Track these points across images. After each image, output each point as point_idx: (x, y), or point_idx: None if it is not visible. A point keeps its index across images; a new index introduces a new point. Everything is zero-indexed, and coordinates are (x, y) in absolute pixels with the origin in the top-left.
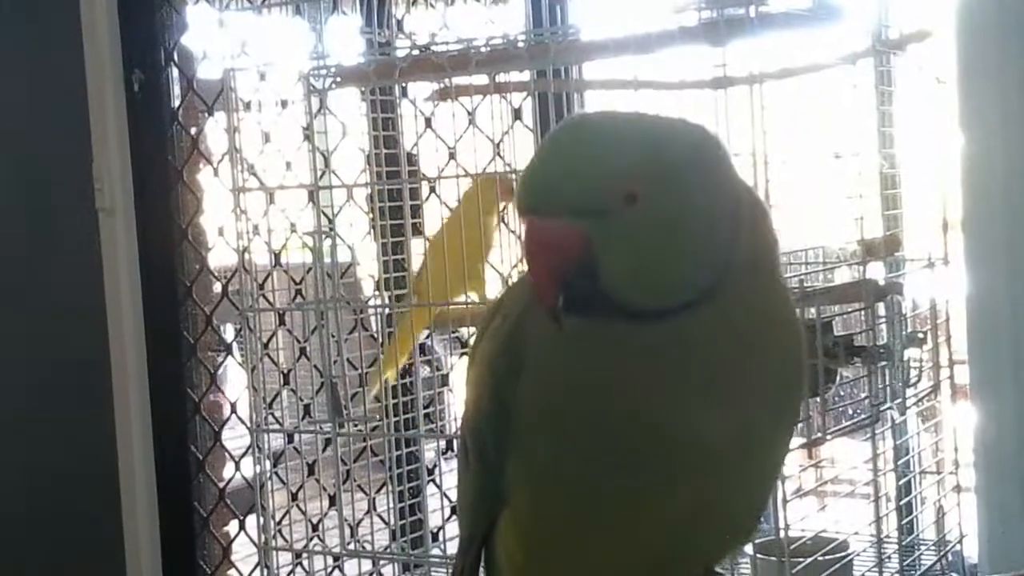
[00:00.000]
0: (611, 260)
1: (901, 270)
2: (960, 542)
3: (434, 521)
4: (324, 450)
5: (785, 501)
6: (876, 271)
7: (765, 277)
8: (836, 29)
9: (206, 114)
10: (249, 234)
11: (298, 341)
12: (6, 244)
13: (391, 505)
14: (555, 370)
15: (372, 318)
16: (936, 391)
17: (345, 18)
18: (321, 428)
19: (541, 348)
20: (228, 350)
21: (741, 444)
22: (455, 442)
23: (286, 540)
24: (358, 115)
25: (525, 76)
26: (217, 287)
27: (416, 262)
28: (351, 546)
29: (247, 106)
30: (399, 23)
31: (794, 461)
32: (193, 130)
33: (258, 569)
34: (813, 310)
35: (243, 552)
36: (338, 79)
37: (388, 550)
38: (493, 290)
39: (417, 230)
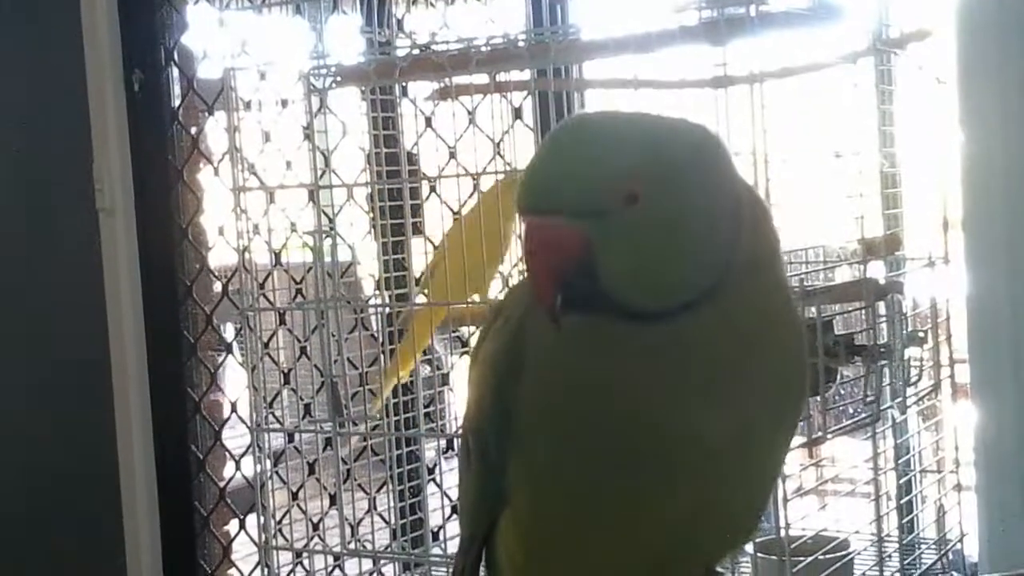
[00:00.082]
0: (611, 260)
1: (901, 269)
2: (960, 541)
3: (435, 520)
4: (324, 449)
5: (786, 500)
6: (877, 270)
7: (766, 277)
8: (836, 28)
9: (206, 114)
10: (249, 233)
11: (298, 340)
12: (6, 244)
13: (392, 504)
14: (556, 370)
15: (372, 318)
16: (936, 390)
17: (345, 17)
18: (321, 427)
19: (542, 348)
20: (228, 349)
21: (742, 444)
22: (456, 441)
23: (286, 539)
24: (358, 114)
25: (525, 75)
26: (217, 286)
27: (418, 260)
28: (351, 545)
29: (247, 105)
30: (399, 22)
31: (795, 460)
32: (193, 130)
33: (258, 568)
34: (814, 309)
35: (243, 551)
36: (338, 78)
37: (389, 549)
38: (495, 291)
39: (417, 229)
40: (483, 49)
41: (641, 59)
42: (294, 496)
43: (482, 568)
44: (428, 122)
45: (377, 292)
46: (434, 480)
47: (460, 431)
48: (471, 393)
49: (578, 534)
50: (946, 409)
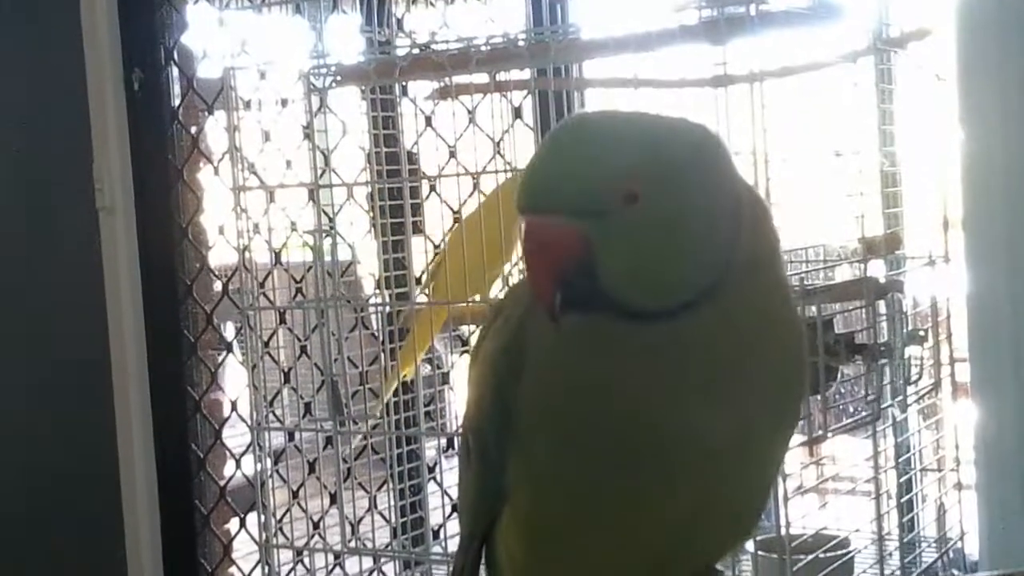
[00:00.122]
0: (610, 260)
1: (902, 268)
2: (961, 539)
3: (435, 519)
4: (325, 448)
5: (786, 498)
6: (877, 269)
7: (766, 276)
8: (836, 27)
9: (206, 113)
10: (249, 233)
11: (299, 339)
12: (6, 244)
13: (392, 503)
14: (556, 369)
15: (373, 317)
16: (937, 389)
17: (345, 17)
18: (322, 426)
19: (542, 348)
20: (228, 348)
21: (741, 443)
22: (456, 440)
23: (287, 538)
24: (358, 114)
25: (525, 75)
26: (217, 286)
27: (418, 259)
28: (352, 544)
29: (247, 105)
30: (399, 22)
31: (795, 459)
32: (193, 129)
33: (259, 567)
34: (814, 308)
35: (244, 550)
36: (338, 78)
37: (389, 548)
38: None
39: (417, 229)
40: (483, 48)
41: (641, 58)
42: (294, 495)
43: (482, 566)
44: (428, 121)
45: (377, 291)
46: (434, 479)
47: (460, 430)
48: (471, 392)
49: (578, 533)
50: (946, 407)
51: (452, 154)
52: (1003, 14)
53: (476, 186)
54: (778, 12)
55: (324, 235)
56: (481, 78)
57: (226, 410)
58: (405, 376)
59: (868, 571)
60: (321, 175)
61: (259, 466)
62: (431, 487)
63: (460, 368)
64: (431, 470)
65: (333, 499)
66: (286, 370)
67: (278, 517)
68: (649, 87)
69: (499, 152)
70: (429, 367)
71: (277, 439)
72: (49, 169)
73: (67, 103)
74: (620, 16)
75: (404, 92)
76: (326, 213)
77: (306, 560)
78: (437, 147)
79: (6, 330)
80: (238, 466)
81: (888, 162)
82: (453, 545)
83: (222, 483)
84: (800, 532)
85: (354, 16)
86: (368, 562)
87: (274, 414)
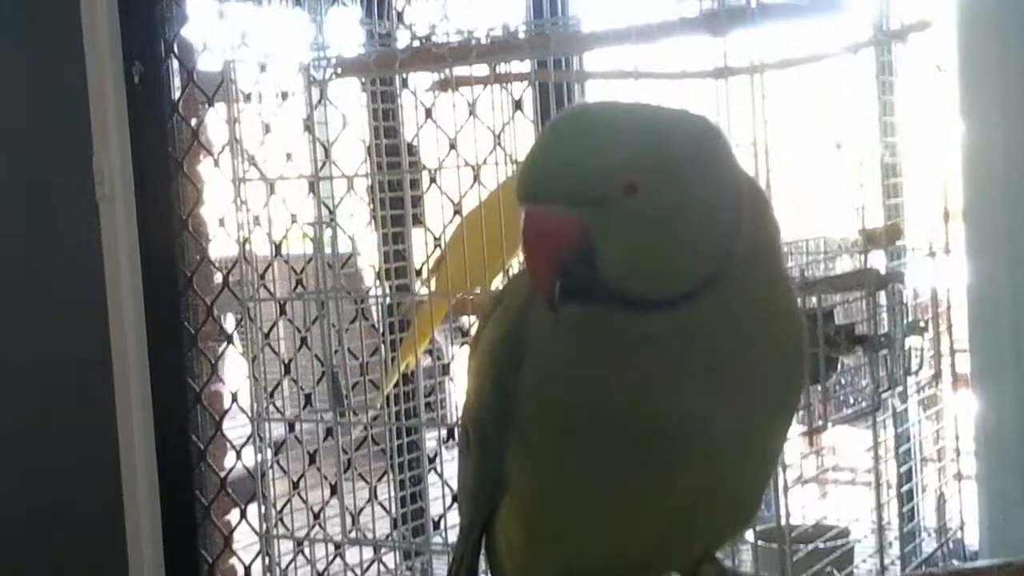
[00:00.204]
0: (610, 249)
1: (902, 259)
2: (961, 529)
3: (435, 509)
4: (325, 439)
5: (787, 488)
6: (877, 260)
7: (766, 266)
8: (837, 19)
9: (206, 105)
10: (250, 225)
11: (299, 331)
12: (6, 236)
13: (392, 494)
14: (556, 359)
15: (373, 308)
16: (937, 379)
17: (345, 9)
18: (322, 417)
19: (542, 337)
20: (229, 340)
21: (741, 432)
22: (456, 431)
23: (287, 529)
24: (358, 106)
25: (526, 66)
26: (218, 277)
27: (419, 251)
28: (352, 534)
29: (247, 97)
30: (399, 14)
31: (795, 449)
32: (193, 121)
33: (259, 558)
34: (815, 299)
35: (244, 541)
36: (338, 70)
37: (389, 538)
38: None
39: (418, 220)
40: (483, 40)
41: (641, 50)
42: (295, 485)
43: (482, 555)
44: (428, 113)
45: (377, 283)
46: (434, 469)
47: (460, 420)
48: (471, 381)
49: (577, 521)
50: (946, 398)
51: (452, 146)
52: (1003, 5)
53: (476, 178)
54: (778, 3)
55: (324, 227)
56: (481, 70)
57: (226, 401)
58: (405, 368)
59: (868, 561)
60: (321, 167)
61: (259, 457)
62: (431, 478)
63: (460, 359)
64: (431, 461)
65: (333, 490)
66: (286, 361)
67: (278, 508)
68: (649, 79)
69: (499, 144)
70: (429, 358)
71: (277, 430)
72: (50, 161)
73: (68, 95)
74: (620, 8)
75: (404, 84)
76: (326, 205)
77: (306, 551)
78: (437, 139)
79: (6, 323)
80: (239, 457)
81: (889, 153)
82: (453, 535)
83: (223, 474)
84: (800, 522)
85: (354, 8)
86: (368, 552)
87: (274, 405)
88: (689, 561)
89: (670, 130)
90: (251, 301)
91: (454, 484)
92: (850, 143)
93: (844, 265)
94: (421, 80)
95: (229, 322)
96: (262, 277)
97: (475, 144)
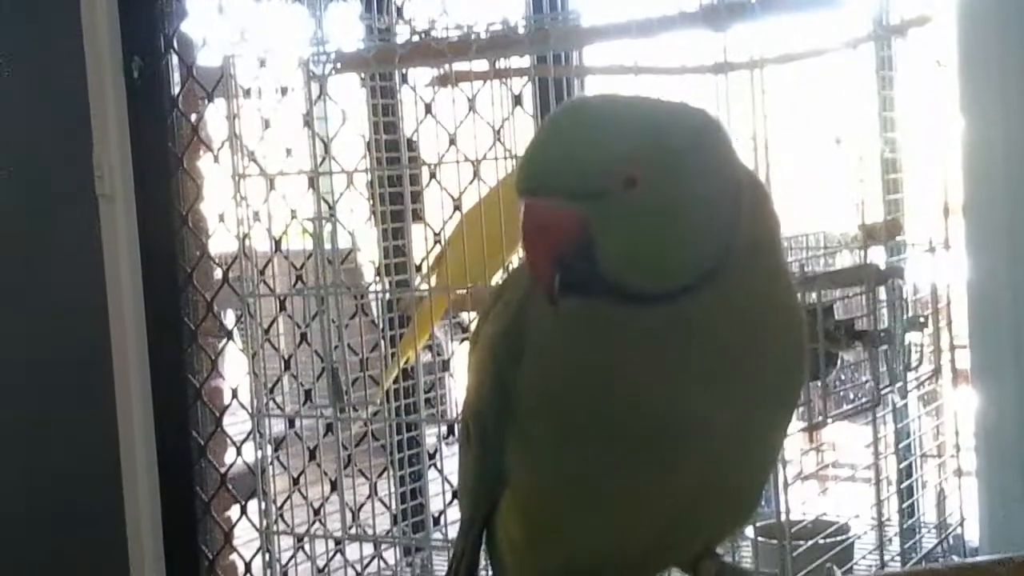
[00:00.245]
0: (609, 243)
1: (902, 254)
2: (961, 525)
3: (435, 505)
4: (325, 435)
5: (786, 485)
6: (877, 255)
7: (766, 261)
8: (837, 14)
9: (206, 101)
10: (249, 220)
11: (299, 327)
12: (6, 232)
13: (392, 489)
14: (556, 353)
15: (373, 304)
16: (937, 375)
17: (345, 4)
18: (322, 413)
19: (542, 331)
20: (229, 336)
21: (740, 426)
22: (456, 426)
23: (288, 524)
24: (358, 101)
25: (525, 62)
26: (218, 273)
27: (418, 246)
28: (352, 530)
29: (247, 93)
30: (399, 9)
31: (795, 445)
32: (193, 117)
33: (260, 554)
34: (814, 294)
35: (245, 537)
36: (338, 65)
37: (389, 534)
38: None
39: (417, 216)
40: (483, 35)
41: (641, 45)
42: (295, 481)
43: (482, 550)
44: (428, 109)
45: (377, 278)
46: (435, 465)
47: (460, 416)
48: (471, 376)
49: (577, 516)
50: (946, 394)
51: (452, 141)
52: (1004, 1)
53: (476, 173)
54: None
55: (324, 222)
56: (481, 65)
57: (227, 397)
58: (405, 364)
59: (868, 557)
60: (321, 163)
61: (260, 453)
62: (431, 474)
63: (460, 355)
64: (431, 457)
65: (333, 486)
66: (286, 357)
67: (279, 504)
68: (649, 74)
69: (499, 139)
70: (429, 354)
71: (277, 426)
72: (49, 156)
73: (67, 91)
74: (620, 2)
75: (404, 79)
76: (326, 200)
77: (307, 547)
78: (437, 134)
79: (5, 319)
80: (239, 453)
81: (889, 149)
82: (453, 531)
83: (223, 470)
84: (800, 518)
85: (354, 3)
86: (369, 548)
87: (274, 401)
88: (689, 556)
89: (670, 123)
90: (251, 297)
91: (454, 480)
92: (850, 138)
93: (844, 260)
94: (421, 75)
95: (229, 318)
96: (262, 273)
97: (475, 139)
